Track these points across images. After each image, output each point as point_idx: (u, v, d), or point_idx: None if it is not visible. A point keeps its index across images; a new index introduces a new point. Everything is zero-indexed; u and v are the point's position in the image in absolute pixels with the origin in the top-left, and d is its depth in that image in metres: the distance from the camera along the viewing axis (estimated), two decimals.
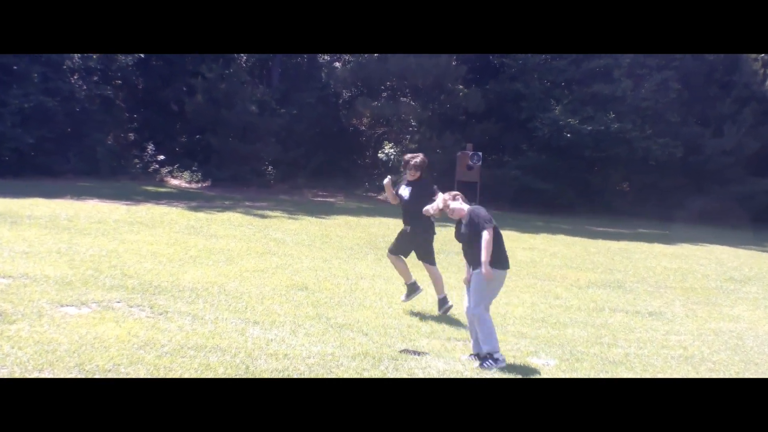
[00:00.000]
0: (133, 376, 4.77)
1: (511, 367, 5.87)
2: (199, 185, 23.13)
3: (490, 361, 5.76)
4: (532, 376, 5.70)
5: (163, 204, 16.48)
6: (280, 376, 5.08)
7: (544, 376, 5.76)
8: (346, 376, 5.23)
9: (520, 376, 5.65)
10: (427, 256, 7.86)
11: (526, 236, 15.81)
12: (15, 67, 20.66)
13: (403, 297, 7.93)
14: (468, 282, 6.05)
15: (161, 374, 4.86)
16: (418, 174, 7.68)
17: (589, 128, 22.40)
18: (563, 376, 5.81)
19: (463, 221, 6.07)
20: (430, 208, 6.52)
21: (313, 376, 5.16)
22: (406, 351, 6.06)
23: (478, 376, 5.56)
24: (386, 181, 7.83)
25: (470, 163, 23.41)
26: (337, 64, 27.75)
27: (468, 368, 5.74)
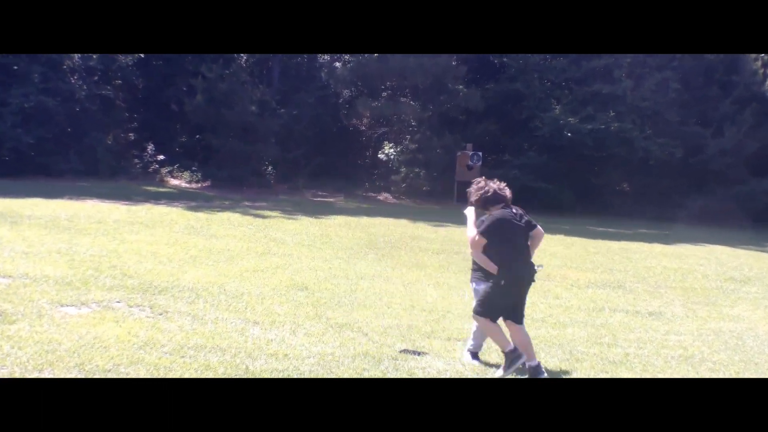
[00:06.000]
0: (133, 376, 4.77)
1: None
2: (199, 185, 23.14)
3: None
4: (530, 376, 5.70)
5: (162, 204, 16.49)
6: (280, 376, 5.08)
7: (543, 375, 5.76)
8: (346, 376, 5.23)
9: (518, 376, 5.65)
10: None
11: None
12: (15, 67, 20.68)
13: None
14: None
15: (161, 374, 4.86)
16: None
17: (589, 127, 22.42)
18: (563, 376, 5.81)
19: None
20: None
21: (313, 376, 5.16)
22: (406, 351, 6.06)
23: (478, 376, 5.56)
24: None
25: (470, 162, 23.44)
26: (337, 65, 27.75)
27: (468, 368, 5.74)
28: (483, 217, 5.74)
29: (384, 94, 26.44)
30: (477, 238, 5.61)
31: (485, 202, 5.69)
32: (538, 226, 5.76)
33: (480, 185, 5.78)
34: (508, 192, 5.75)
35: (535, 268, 5.74)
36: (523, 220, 5.67)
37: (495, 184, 5.73)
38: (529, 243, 5.73)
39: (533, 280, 5.73)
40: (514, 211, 5.68)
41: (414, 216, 18.60)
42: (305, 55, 28.28)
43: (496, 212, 5.64)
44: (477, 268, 5.96)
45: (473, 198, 5.79)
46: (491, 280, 5.66)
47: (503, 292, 5.56)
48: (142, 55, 23.97)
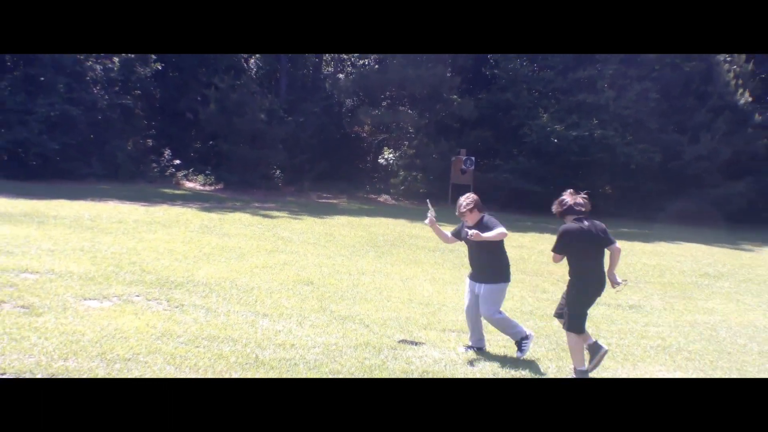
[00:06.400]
0: (152, 365, 4.80)
1: (503, 360, 5.90)
2: (212, 188, 23.17)
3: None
4: (522, 369, 5.73)
5: (178, 205, 16.50)
6: (287, 365, 5.10)
7: (536, 372, 5.78)
8: (348, 364, 5.26)
9: (510, 368, 5.68)
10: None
11: (515, 235, 15.83)
12: (42, 78, 20.69)
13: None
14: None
15: (177, 363, 4.89)
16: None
17: (575, 134, 22.45)
18: (550, 365, 5.83)
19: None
20: None
21: (318, 364, 5.19)
22: (404, 341, 6.09)
23: (470, 366, 5.59)
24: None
25: (463, 167, 23.47)
26: (341, 76, 27.77)
27: (462, 358, 5.77)
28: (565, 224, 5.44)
29: (384, 103, 26.48)
30: (552, 255, 5.43)
31: (561, 213, 5.47)
32: (615, 243, 5.45)
33: (561, 197, 5.52)
34: (583, 204, 5.44)
35: (619, 281, 5.42)
36: (600, 234, 5.36)
37: (571, 198, 5.45)
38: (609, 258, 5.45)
39: (599, 294, 5.48)
40: (587, 224, 5.36)
41: (412, 216, 18.62)
42: (311, 67, 28.32)
43: (565, 225, 5.42)
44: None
45: (554, 207, 5.58)
46: (569, 291, 5.47)
47: (577, 301, 5.40)
48: (159, 67, 23.98)
